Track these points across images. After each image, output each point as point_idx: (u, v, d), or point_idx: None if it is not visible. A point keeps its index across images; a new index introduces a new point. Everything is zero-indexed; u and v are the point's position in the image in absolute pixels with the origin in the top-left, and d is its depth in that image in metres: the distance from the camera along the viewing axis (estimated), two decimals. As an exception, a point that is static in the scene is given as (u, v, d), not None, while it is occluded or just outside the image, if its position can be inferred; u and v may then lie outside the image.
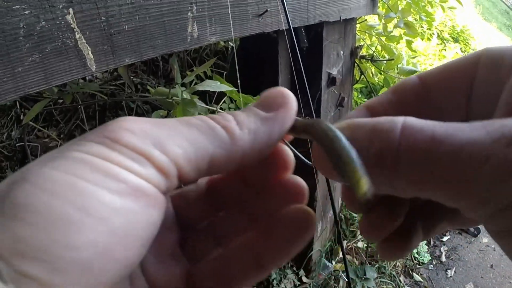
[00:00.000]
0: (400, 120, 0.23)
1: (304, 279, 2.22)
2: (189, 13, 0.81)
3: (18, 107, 1.78)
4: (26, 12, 0.54)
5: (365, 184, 0.22)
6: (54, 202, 0.19)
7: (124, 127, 0.22)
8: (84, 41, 0.61)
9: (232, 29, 0.93)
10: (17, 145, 1.74)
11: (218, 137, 0.25)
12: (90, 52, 0.62)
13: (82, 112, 1.79)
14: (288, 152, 0.30)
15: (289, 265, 2.15)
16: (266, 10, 1.08)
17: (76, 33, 0.60)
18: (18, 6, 0.53)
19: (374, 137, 0.23)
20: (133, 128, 0.22)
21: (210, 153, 0.24)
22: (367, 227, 0.30)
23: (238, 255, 0.30)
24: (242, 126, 0.26)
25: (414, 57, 2.95)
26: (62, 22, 0.58)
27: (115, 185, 0.20)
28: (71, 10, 0.59)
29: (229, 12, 0.92)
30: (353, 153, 0.23)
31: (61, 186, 0.19)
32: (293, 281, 2.12)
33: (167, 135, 0.23)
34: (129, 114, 1.91)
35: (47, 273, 0.18)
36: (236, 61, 1.10)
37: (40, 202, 0.18)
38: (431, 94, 0.30)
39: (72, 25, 0.60)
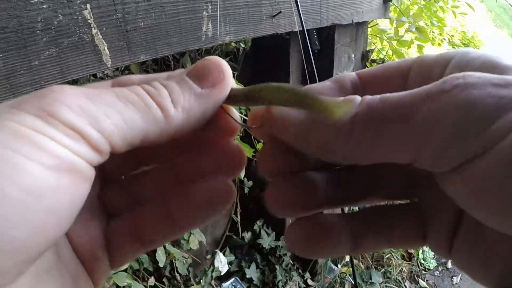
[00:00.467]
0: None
1: (310, 282, 2.21)
2: (204, 12, 0.81)
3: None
4: (44, 6, 0.54)
5: (338, 107, 0.24)
6: None
7: (62, 101, 0.22)
8: (101, 36, 0.62)
9: (246, 29, 0.93)
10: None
11: (152, 116, 0.25)
12: (106, 48, 0.63)
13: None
14: (231, 118, 0.30)
15: (295, 268, 2.14)
16: (280, 11, 1.08)
17: (93, 28, 0.60)
18: (36, 0, 0.53)
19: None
20: (70, 104, 0.22)
21: (144, 130, 0.25)
22: (273, 195, 0.30)
23: (153, 213, 0.30)
24: (176, 104, 0.26)
25: (424, 62, 2.94)
26: (79, 17, 0.59)
27: (51, 161, 0.20)
28: (88, 5, 0.59)
29: (244, 12, 0.92)
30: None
31: None
32: (299, 283, 2.11)
33: (104, 113, 0.23)
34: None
35: None
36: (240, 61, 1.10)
37: None
38: (366, 90, 0.30)
39: (89, 21, 0.60)
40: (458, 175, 0.22)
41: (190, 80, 0.27)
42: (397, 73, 0.30)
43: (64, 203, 0.21)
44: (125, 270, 1.27)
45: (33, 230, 0.19)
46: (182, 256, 1.58)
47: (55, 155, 0.20)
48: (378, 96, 0.24)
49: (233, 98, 0.28)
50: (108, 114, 0.23)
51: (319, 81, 1.24)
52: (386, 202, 0.32)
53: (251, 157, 1.18)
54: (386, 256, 2.78)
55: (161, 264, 1.40)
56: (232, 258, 1.95)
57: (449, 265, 2.99)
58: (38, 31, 0.54)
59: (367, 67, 2.11)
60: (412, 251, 2.99)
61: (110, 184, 0.32)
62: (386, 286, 2.57)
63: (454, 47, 6.25)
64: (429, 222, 0.29)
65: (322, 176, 0.30)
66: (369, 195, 0.31)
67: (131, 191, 0.32)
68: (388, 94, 0.23)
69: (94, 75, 1.67)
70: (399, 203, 0.32)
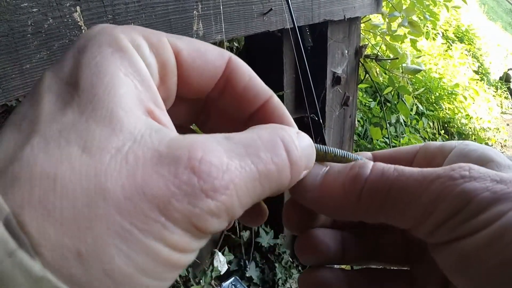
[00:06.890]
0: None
1: (310, 278, 2.21)
2: (194, 12, 0.81)
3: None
4: (34, 10, 0.55)
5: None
6: None
7: (213, 212, 0.21)
8: (91, 38, 0.62)
9: (237, 27, 0.93)
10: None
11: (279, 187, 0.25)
12: (97, 50, 0.63)
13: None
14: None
15: (295, 265, 2.15)
16: (271, 9, 1.08)
17: (83, 30, 0.61)
18: (26, 4, 0.54)
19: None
20: (220, 214, 0.21)
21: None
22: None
23: None
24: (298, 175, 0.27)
25: (418, 57, 2.94)
26: (70, 20, 0.59)
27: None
28: (78, 8, 0.59)
29: (234, 10, 0.93)
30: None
31: None
32: (299, 280, 2.11)
33: (240, 202, 0.22)
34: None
35: None
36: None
37: None
38: None
39: (79, 23, 0.60)
40: (448, 248, 0.25)
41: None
42: (406, 155, 0.35)
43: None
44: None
45: None
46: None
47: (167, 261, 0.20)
48: (393, 166, 0.27)
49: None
50: (243, 204, 0.23)
51: (312, 79, 1.23)
52: (382, 266, 0.37)
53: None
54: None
55: (160, 265, 1.40)
56: (231, 257, 1.95)
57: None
58: (29, 35, 0.55)
59: (361, 63, 2.12)
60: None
61: None
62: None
63: (448, 41, 6.26)
64: None
65: (336, 238, 0.35)
66: (372, 259, 0.36)
67: None
68: (402, 166, 0.27)
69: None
70: (392, 268, 0.37)
